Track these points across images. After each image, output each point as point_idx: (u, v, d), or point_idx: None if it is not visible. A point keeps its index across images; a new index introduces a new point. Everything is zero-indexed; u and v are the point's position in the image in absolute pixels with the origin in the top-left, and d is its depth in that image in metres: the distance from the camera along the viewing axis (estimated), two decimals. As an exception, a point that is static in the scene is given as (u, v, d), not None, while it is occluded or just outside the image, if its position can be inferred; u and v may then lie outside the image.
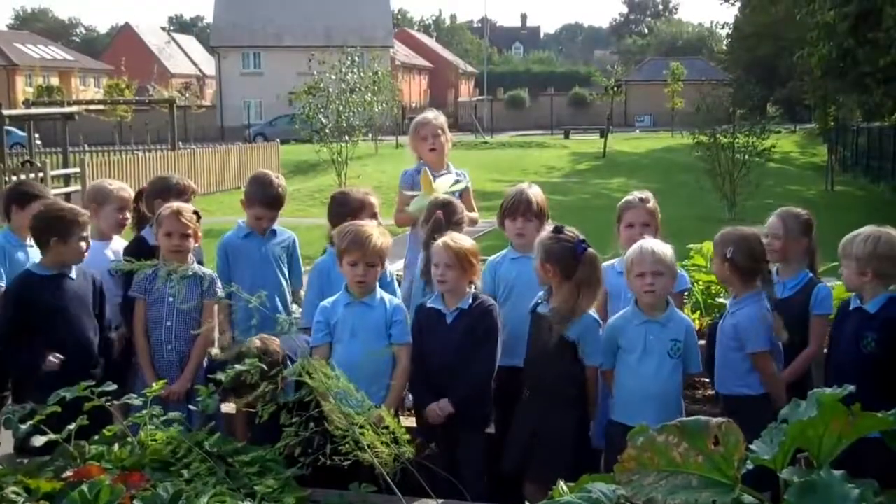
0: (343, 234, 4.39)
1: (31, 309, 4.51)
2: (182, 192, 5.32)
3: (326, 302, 4.41)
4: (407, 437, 3.08)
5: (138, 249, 4.94)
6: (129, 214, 5.40)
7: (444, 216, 4.69)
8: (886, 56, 16.66)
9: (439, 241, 4.35)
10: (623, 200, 4.98)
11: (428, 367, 4.33)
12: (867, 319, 4.11)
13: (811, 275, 4.71)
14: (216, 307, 4.77)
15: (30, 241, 4.98)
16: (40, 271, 4.60)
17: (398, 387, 4.35)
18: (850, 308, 4.25)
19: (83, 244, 4.63)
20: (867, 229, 4.19)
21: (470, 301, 4.35)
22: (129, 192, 5.45)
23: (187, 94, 55.40)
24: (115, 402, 3.56)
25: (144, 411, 3.48)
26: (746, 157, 20.21)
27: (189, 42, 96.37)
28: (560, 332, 4.12)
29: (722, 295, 6.28)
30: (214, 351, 4.49)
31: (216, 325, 4.65)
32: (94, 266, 4.90)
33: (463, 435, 4.31)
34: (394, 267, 5.77)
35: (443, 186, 5.45)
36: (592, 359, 4.22)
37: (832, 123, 29.07)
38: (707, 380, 5.19)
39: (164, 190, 5.33)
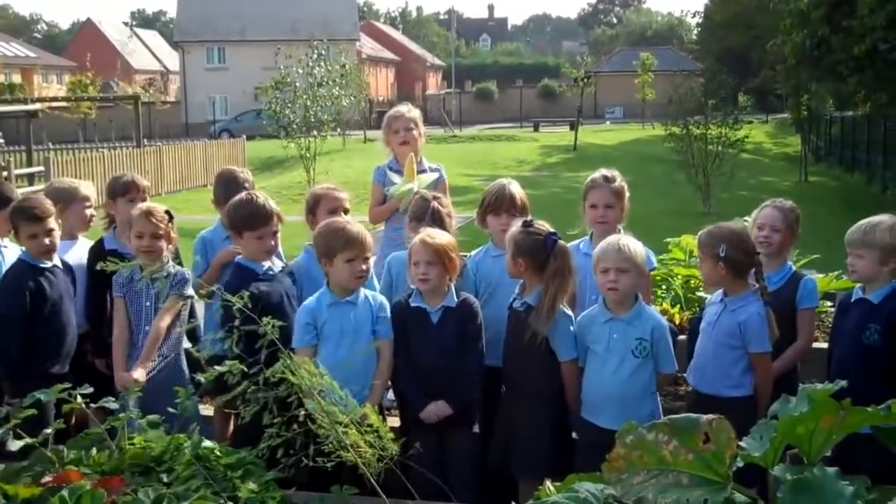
0: (332, 233, 4.30)
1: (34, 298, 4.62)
2: (127, 192, 5.21)
3: (309, 302, 4.32)
4: (391, 436, 3.04)
5: (97, 255, 4.89)
6: (93, 212, 5.37)
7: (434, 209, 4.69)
8: (861, 44, 16.71)
9: (416, 239, 4.29)
10: (588, 179, 4.90)
11: (417, 366, 4.29)
12: (870, 310, 4.08)
13: (794, 268, 4.69)
14: (180, 304, 4.69)
15: (4, 241, 5.01)
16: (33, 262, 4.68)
17: (381, 383, 4.33)
18: (853, 300, 4.21)
19: (54, 238, 4.70)
20: (883, 219, 4.12)
21: (455, 299, 4.32)
22: (90, 191, 5.42)
23: (151, 91, 54.87)
24: (93, 405, 3.50)
25: (123, 414, 3.42)
26: (719, 148, 20.28)
27: (152, 37, 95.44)
28: (532, 327, 4.11)
29: (701, 288, 6.29)
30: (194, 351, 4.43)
31: (167, 321, 4.58)
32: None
33: (451, 434, 4.28)
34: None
35: (425, 179, 5.47)
36: (565, 353, 4.18)
37: (805, 113, 29.21)
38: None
39: (111, 190, 5.28)
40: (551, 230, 4.24)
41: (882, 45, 16.16)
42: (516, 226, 4.32)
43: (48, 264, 4.73)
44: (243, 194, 4.72)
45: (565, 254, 4.19)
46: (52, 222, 4.72)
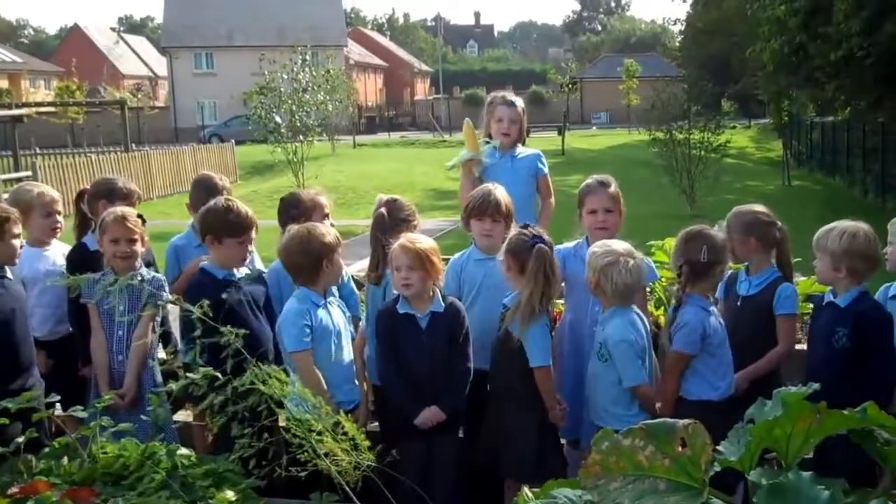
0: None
1: None
2: (127, 197, 5.17)
3: (300, 307, 4.24)
4: (367, 444, 3.00)
5: (80, 257, 4.81)
6: (59, 218, 5.21)
7: (388, 213, 4.64)
8: (837, 50, 16.83)
9: (396, 245, 4.27)
10: (584, 185, 4.88)
11: (408, 373, 4.27)
12: (838, 314, 4.08)
13: (778, 273, 4.61)
14: (152, 316, 4.62)
15: None
16: None
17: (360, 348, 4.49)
18: (824, 303, 4.23)
19: (15, 242, 4.44)
20: (842, 224, 4.14)
21: (442, 304, 4.30)
22: (53, 195, 5.21)
23: (139, 96, 54.81)
24: (64, 414, 3.44)
25: (94, 423, 3.37)
26: (702, 152, 20.36)
27: (140, 42, 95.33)
28: (508, 329, 4.12)
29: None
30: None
31: (149, 333, 4.52)
32: (30, 274, 4.78)
33: (437, 438, 4.26)
34: (353, 269, 5.71)
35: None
36: (535, 359, 4.15)
37: (786, 118, 29.43)
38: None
39: (109, 192, 5.18)
40: (540, 234, 4.22)
41: (858, 51, 16.26)
42: (515, 227, 4.36)
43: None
44: (220, 200, 4.64)
45: (544, 257, 4.15)
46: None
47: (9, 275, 4.45)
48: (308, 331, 4.17)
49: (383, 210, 4.63)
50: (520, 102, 5.93)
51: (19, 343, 4.41)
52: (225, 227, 4.49)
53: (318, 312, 4.23)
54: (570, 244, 4.83)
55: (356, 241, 11.24)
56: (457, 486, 4.26)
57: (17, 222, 4.48)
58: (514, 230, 4.34)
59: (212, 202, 4.63)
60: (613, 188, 4.81)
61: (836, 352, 4.03)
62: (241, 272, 4.61)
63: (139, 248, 4.66)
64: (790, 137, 31.44)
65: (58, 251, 5.18)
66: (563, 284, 4.66)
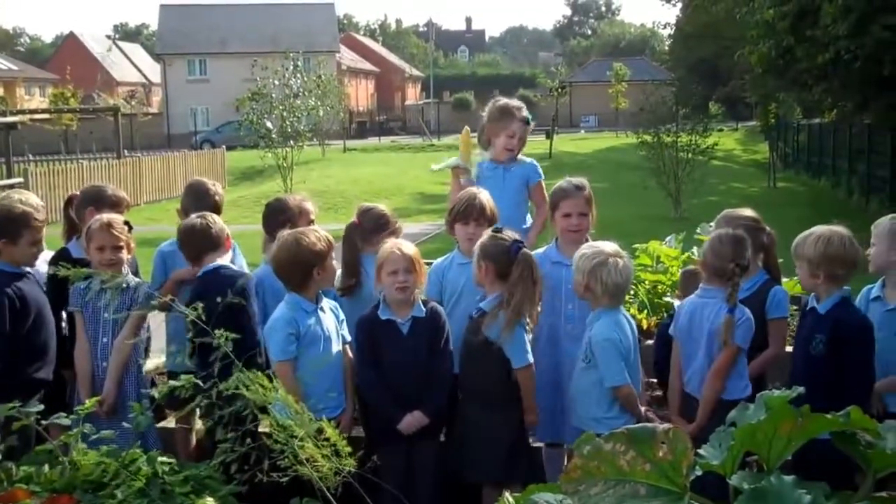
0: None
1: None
2: (116, 204, 5.13)
3: (288, 314, 4.24)
4: (348, 450, 2.98)
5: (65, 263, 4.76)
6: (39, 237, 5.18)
7: (361, 220, 4.65)
8: (825, 53, 16.91)
9: (395, 249, 4.25)
10: (557, 188, 4.82)
11: (390, 379, 4.25)
12: (818, 320, 4.08)
13: (767, 276, 4.61)
14: (142, 318, 4.61)
15: None
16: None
17: (353, 388, 4.40)
18: (807, 309, 4.22)
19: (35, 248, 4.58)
20: (818, 230, 4.13)
21: (423, 308, 4.29)
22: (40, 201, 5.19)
23: (133, 102, 54.82)
24: (44, 421, 3.41)
25: (76, 430, 3.34)
26: (690, 155, 20.44)
27: (135, 50, 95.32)
28: (483, 333, 4.11)
29: (668, 294, 6.28)
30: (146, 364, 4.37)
31: (132, 336, 4.48)
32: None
33: (419, 443, 4.25)
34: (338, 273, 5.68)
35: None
36: (519, 360, 4.15)
37: (773, 121, 29.58)
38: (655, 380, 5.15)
39: (97, 199, 5.14)
40: (518, 238, 4.21)
41: (845, 54, 16.34)
42: (487, 232, 4.32)
43: (28, 270, 4.60)
44: (196, 220, 4.65)
45: (529, 262, 4.16)
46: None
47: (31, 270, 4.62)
48: (293, 339, 4.15)
49: (356, 220, 4.66)
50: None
51: (49, 336, 4.56)
52: (214, 242, 4.57)
53: (307, 320, 4.21)
54: (539, 249, 4.82)
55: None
56: (438, 490, 4.26)
57: (40, 230, 4.60)
58: (484, 235, 4.32)
59: (189, 223, 4.67)
60: (588, 191, 4.80)
61: (813, 358, 4.02)
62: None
63: (125, 255, 4.64)
64: (777, 139, 31.60)
65: (41, 257, 5.13)
66: None
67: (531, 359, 4.17)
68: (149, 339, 4.90)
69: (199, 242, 4.55)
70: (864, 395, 3.90)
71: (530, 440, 4.45)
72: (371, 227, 4.76)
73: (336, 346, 4.32)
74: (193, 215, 4.70)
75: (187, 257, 4.66)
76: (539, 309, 4.30)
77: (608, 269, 4.11)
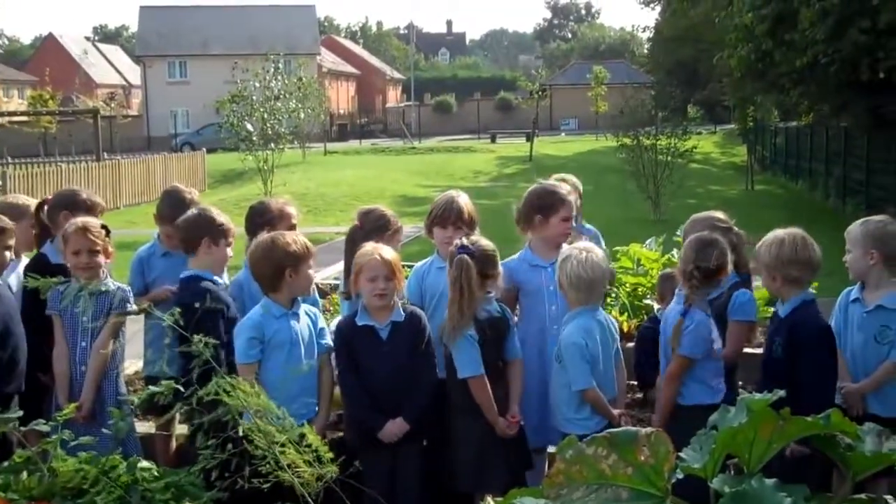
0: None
1: None
2: (90, 209, 5.08)
3: (252, 316, 4.23)
4: (330, 455, 2.97)
5: (39, 269, 4.72)
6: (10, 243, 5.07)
7: (362, 222, 4.63)
8: (803, 57, 17.03)
9: (375, 255, 4.20)
10: (552, 191, 4.75)
11: (369, 385, 4.21)
12: (779, 324, 4.09)
13: (738, 278, 4.56)
14: (120, 323, 4.57)
15: None
16: None
17: (329, 395, 4.34)
18: (775, 312, 4.25)
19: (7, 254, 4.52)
20: (772, 234, 4.11)
21: (402, 313, 4.26)
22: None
23: (112, 104, 54.46)
24: (23, 428, 3.38)
25: (55, 436, 3.31)
26: (669, 158, 20.54)
27: (114, 52, 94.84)
28: (442, 340, 4.15)
29: (648, 296, 6.30)
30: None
31: (109, 341, 4.45)
32: None
33: (402, 448, 4.22)
34: (318, 276, 5.67)
35: None
36: (462, 370, 4.14)
37: (751, 124, 29.76)
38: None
39: (71, 203, 5.08)
40: (466, 244, 4.17)
41: (822, 58, 16.47)
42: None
43: None
44: (208, 207, 4.66)
45: (461, 266, 4.10)
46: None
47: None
48: (256, 343, 4.12)
49: (358, 222, 4.62)
50: None
51: (17, 346, 4.46)
52: (222, 229, 4.61)
53: (275, 324, 4.17)
54: (514, 256, 4.79)
55: (323, 249, 11.19)
56: (423, 496, 4.22)
57: (11, 235, 4.55)
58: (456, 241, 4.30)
59: (201, 209, 4.68)
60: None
61: (773, 361, 4.03)
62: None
63: (102, 259, 4.59)
64: (755, 142, 31.79)
65: (18, 264, 5.09)
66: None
67: (479, 370, 4.12)
68: (123, 345, 4.86)
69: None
70: (823, 398, 3.72)
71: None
72: (372, 228, 4.72)
73: (308, 352, 4.25)
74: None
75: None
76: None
77: (571, 262, 4.13)
